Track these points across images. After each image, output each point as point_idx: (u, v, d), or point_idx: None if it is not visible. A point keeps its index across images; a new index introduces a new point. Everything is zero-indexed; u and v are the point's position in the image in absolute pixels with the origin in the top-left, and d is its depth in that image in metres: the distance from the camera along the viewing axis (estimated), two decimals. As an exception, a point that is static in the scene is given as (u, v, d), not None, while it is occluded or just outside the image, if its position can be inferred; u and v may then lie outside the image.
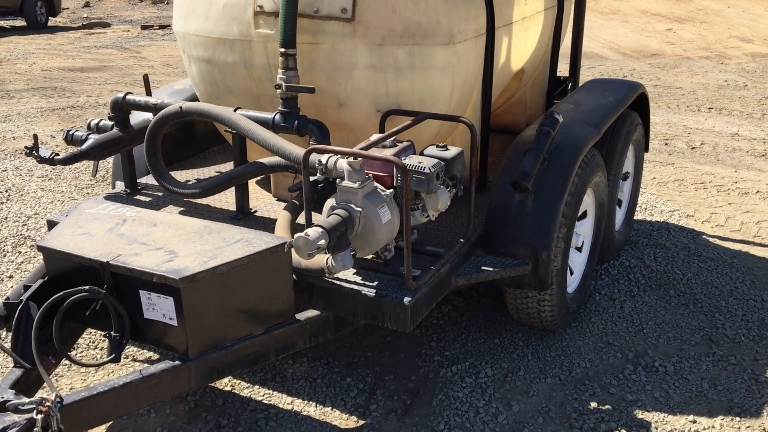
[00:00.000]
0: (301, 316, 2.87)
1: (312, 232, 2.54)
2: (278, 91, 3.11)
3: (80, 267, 2.67)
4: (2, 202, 5.35)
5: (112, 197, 3.70)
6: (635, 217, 5.04)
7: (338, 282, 2.85)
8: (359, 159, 2.69)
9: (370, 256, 2.94)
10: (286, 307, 2.81)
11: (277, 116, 3.17)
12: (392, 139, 2.96)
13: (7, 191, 5.59)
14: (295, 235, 2.54)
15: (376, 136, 2.96)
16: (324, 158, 2.82)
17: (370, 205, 2.71)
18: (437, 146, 2.98)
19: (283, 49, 3.07)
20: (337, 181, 2.75)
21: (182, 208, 3.54)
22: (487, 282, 3.14)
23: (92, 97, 9.75)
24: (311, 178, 2.86)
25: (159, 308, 2.61)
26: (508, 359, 3.44)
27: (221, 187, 3.34)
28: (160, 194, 3.71)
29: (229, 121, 3.15)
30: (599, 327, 3.72)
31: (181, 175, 4.05)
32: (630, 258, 4.49)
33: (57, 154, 3.47)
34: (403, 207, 2.80)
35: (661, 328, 3.72)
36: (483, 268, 3.10)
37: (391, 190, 2.81)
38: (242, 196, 3.44)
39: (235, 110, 3.28)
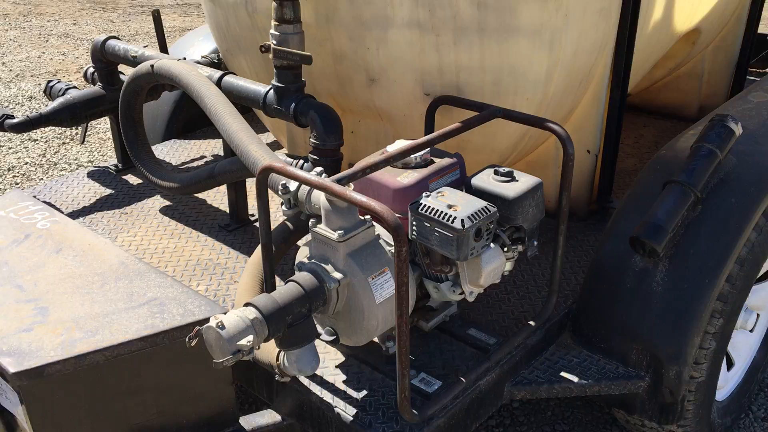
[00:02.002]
0: (250, 420, 1.83)
1: (232, 320, 1.46)
2: (269, 55, 2.00)
3: (-69, 311, 1.80)
4: (64, 143, 4.71)
5: (96, 174, 2.82)
6: None
7: (305, 381, 1.76)
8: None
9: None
10: (221, 410, 1.78)
11: (270, 93, 2.08)
12: (424, 152, 1.76)
13: (77, 132, 4.94)
14: (209, 321, 1.48)
15: (398, 144, 1.77)
16: (292, 184, 1.70)
17: (358, 271, 1.59)
18: (497, 171, 1.74)
19: (276, -11, 1.94)
20: (310, 222, 1.64)
21: (168, 203, 2.58)
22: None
23: (228, 18, 9.07)
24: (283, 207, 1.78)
25: (11, 401, 1.69)
26: (601, 497, 2.21)
27: (203, 184, 2.34)
28: (155, 175, 2.77)
29: (195, 94, 2.11)
30: (765, 455, 2.36)
31: (205, 147, 3.09)
32: (837, 324, 2.97)
33: (10, 117, 2.59)
34: (419, 269, 1.69)
35: None
36: (563, 374, 1.87)
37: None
38: (236, 198, 2.41)
39: (222, 76, 2.22)
